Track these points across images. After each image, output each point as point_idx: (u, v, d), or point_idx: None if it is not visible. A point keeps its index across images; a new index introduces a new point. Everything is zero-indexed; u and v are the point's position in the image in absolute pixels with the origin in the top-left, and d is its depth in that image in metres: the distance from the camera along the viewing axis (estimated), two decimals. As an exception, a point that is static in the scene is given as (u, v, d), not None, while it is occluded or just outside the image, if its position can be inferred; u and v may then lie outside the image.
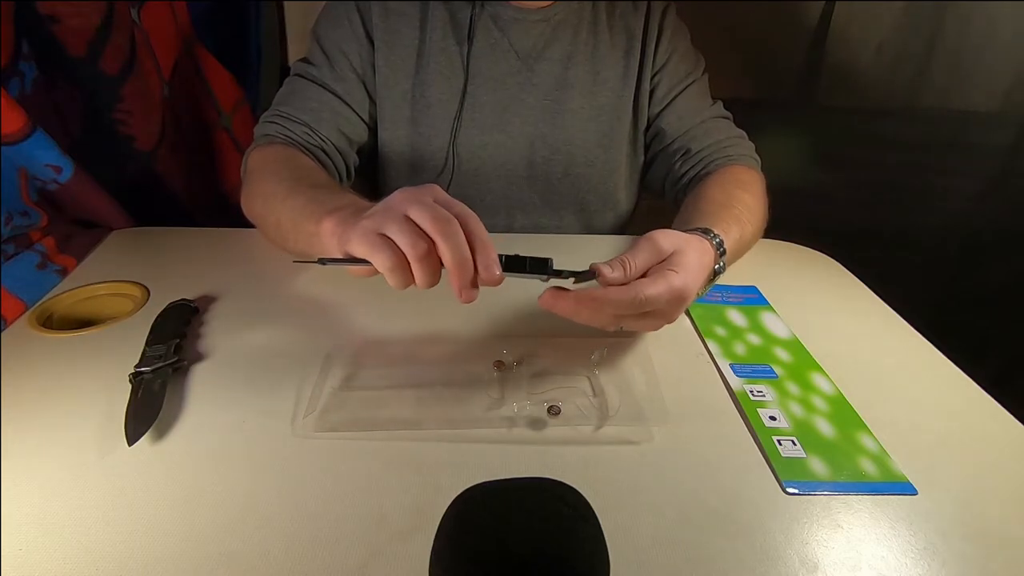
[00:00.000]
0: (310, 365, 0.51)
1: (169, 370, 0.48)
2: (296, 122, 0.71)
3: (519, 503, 0.31)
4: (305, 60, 0.76)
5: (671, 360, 0.54)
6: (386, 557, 0.36)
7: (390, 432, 0.45)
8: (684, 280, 0.47)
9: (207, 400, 0.48)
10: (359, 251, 0.43)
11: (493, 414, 0.47)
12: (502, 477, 0.33)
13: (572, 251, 0.74)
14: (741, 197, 0.67)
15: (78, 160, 0.69)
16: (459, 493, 0.32)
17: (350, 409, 0.47)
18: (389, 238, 0.42)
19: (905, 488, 0.42)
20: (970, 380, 0.54)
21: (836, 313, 0.64)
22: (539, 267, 0.45)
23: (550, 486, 0.33)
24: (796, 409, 0.49)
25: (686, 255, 0.49)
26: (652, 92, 0.80)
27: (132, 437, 0.42)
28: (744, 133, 0.81)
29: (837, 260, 0.75)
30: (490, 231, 0.44)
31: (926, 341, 0.60)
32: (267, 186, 0.62)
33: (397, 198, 0.44)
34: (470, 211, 0.44)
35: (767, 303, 0.64)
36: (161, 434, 0.44)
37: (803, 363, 0.55)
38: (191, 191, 0.88)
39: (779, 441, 0.46)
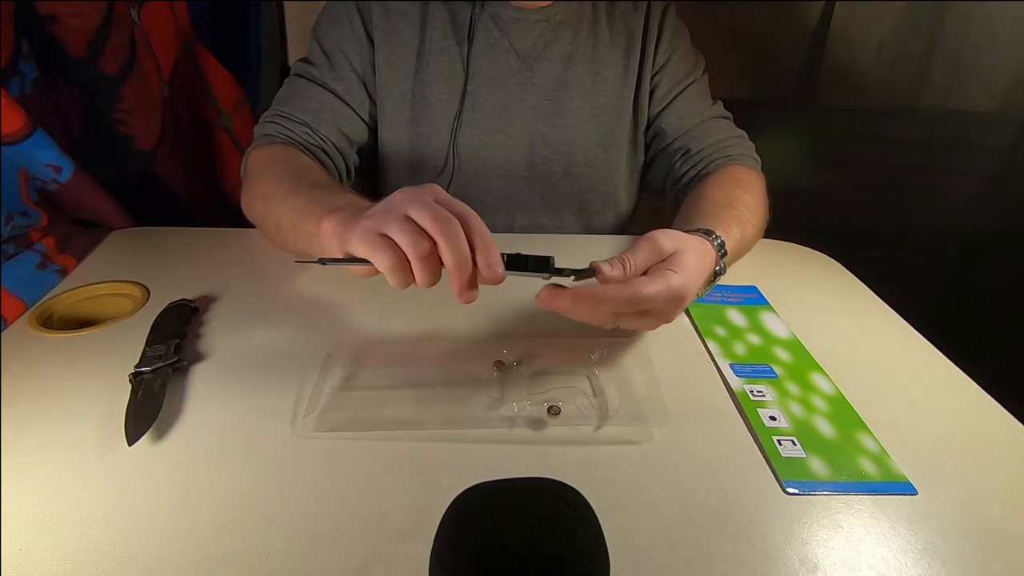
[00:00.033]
0: (310, 365, 0.51)
1: (169, 370, 0.48)
2: (296, 122, 0.71)
3: (519, 503, 0.31)
4: (305, 60, 0.76)
5: (671, 360, 0.54)
6: (386, 557, 0.36)
7: (390, 432, 0.45)
8: (683, 280, 0.47)
9: (207, 400, 0.48)
10: (359, 251, 0.43)
11: (493, 414, 0.47)
12: (502, 477, 0.33)
13: (572, 251, 0.74)
14: (742, 197, 0.67)
15: (78, 160, 0.69)
16: (459, 493, 0.32)
17: (350, 409, 0.47)
18: (390, 238, 0.42)
19: (905, 488, 0.42)
20: (970, 380, 0.54)
21: (836, 313, 0.64)
22: (541, 265, 0.45)
23: (550, 486, 0.33)
24: (796, 409, 0.49)
25: (686, 255, 0.49)
26: (652, 92, 0.80)
27: (132, 437, 0.42)
28: (744, 133, 0.81)
29: (837, 260, 0.75)
30: (490, 231, 0.44)
31: (926, 341, 0.60)
32: (267, 186, 0.62)
33: (398, 198, 0.44)
34: (471, 210, 0.44)
35: (767, 303, 0.64)
36: (161, 434, 0.44)
37: (803, 363, 0.55)
38: (191, 191, 0.88)
39: (779, 441, 0.46)
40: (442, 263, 0.42)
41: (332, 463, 0.42)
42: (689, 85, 0.80)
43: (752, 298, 0.65)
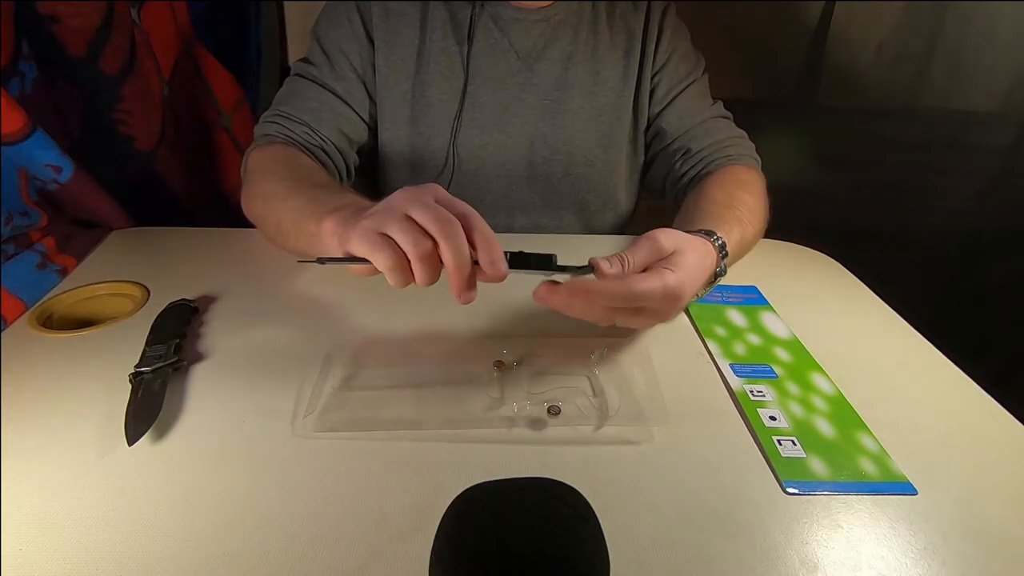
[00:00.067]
0: (310, 365, 0.51)
1: (169, 370, 0.48)
2: (296, 122, 0.71)
3: (519, 503, 0.31)
4: (305, 60, 0.76)
5: (671, 360, 0.54)
6: (386, 557, 0.36)
7: (390, 432, 0.45)
8: (679, 279, 0.47)
9: (207, 400, 0.48)
10: (360, 250, 0.43)
11: (493, 414, 0.47)
12: (502, 477, 0.33)
13: (572, 251, 0.73)
14: (742, 197, 0.67)
15: (78, 160, 0.69)
16: (459, 493, 0.32)
17: (350, 409, 0.47)
18: (390, 237, 0.42)
19: (905, 488, 0.42)
20: (970, 380, 0.54)
21: (836, 313, 0.64)
22: (544, 263, 0.45)
23: (550, 486, 0.33)
24: (796, 409, 0.49)
25: (686, 255, 0.49)
26: (652, 92, 0.80)
27: (132, 437, 0.42)
28: (744, 133, 0.81)
29: (837, 260, 0.75)
30: (491, 231, 0.44)
31: (926, 341, 0.60)
32: (267, 186, 0.62)
33: (398, 198, 0.44)
34: (472, 210, 0.44)
35: (767, 303, 0.64)
36: (161, 434, 0.44)
37: (803, 363, 0.55)
38: (191, 191, 0.88)
39: (779, 441, 0.46)
40: (442, 263, 0.43)
41: (332, 463, 0.42)
42: (689, 85, 0.80)
43: (752, 298, 0.65)
